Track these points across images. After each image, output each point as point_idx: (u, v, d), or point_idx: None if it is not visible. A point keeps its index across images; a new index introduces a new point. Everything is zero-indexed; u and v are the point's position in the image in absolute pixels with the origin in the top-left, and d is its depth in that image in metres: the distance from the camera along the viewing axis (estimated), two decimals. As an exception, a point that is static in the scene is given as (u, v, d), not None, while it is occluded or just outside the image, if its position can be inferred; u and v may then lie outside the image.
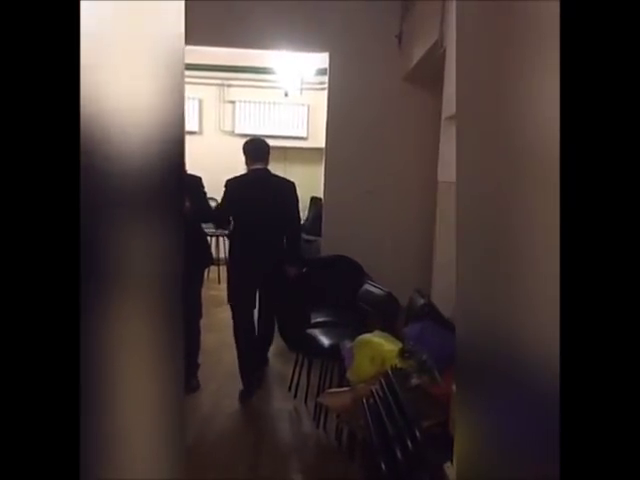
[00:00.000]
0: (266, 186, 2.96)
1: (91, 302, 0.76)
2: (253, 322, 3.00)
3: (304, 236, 4.78)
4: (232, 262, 3.00)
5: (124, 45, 0.78)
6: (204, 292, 4.99)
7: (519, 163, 0.90)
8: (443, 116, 2.31)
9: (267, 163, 3.02)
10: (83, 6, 0.69)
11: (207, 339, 4.18)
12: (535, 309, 0.84)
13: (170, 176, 0.87)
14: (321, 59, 4.69)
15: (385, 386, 1.64)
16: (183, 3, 0.84)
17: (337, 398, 2.10)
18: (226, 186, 2.99)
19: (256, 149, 3.04)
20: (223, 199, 3.02)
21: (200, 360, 3.48)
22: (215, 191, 6.17)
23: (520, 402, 0.85)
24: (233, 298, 2.99)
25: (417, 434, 1.28)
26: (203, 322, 4.53)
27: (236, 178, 3.04)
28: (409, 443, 1.28)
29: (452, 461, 1.17)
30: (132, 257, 0.85)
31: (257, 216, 2.90)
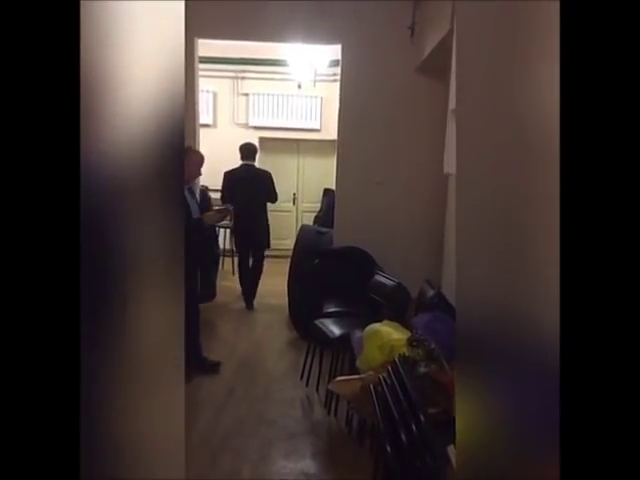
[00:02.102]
0: (251, 175, 4.62)
1: (90, 291, 0.76)
2: (248, 262, 4.82)
3: (316, 228, 4.85)
4: (233, 226, 4.88)
5: (125, 38, 0.80)
6: (218, 283, 5.10)
7: (519, 150, 0.92)
8: (449, 108, 2.32)
9: (254, 160, 4.72)
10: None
11: (222, 329, 4.27)
12: (535, 291, 0.85)
13: (170, 156, 0.90)
14: (334, 51, 4.70)
15: (392, 373, 1.68)
16: (183, 3, 0.86)
17: (347, 385, 2.15)
18: (224, 175, 4.63)
19: (247, 150, 4.69)
20: (223, 185, 4.61)
21: (215, 348, 3.62)
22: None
23: (520, 382, 0.87)
24: (237, 248, 4.99)
25: (421, 418, 1.32)
26: (218, 311, 4.64)
27: (231, 170, 4.67)
28: (413, 427, 1.32)
29: (455, 444, 1.20)
30: (132, 237, 0.87)
31: (244, 194, 4.48)
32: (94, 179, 0.79)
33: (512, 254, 0.95)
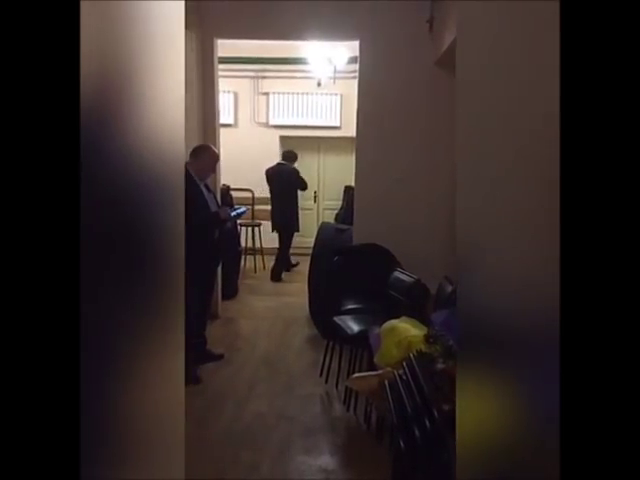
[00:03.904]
0: (284, 171, 5.81)
1: (91, 289, 0.76)
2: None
3: (336, 225, 4.88)
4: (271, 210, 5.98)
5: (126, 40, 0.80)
6: (239, 280, 5.15)
7: (520, 149, 0.91)
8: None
9: (290, 162, 5.87)
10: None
11: (243, 326, 4.32)
12: (537, 287, 0.85)
13: (171, 156, 0.91)
14: (353, 47, 4.69)
15: (407, 370, 1.67)
16: (183, 3, 0.87)
17: (364, 382, 2.15)
18: (266, 171, 5.87)
19: (287, 154, 5.93)
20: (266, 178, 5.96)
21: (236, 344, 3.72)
22: (252, 181, 6.35)
23: (522, 380, 0.87)
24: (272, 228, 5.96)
25: (435, 414, 1.31)
26: (239, 308, 4.69)
27: (271, 167, 5.89)
28: (427, 423, 1.31)
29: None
30: (133, 240, 0.88)
31: (278, 186, 5.79)
32: (94, 181, 0.79)
33: (514, 244, 0.95)
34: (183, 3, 0.87)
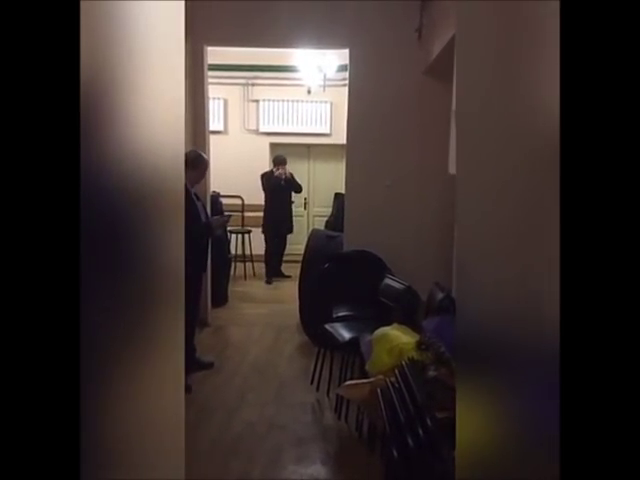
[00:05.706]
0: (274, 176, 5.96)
1: (91, 292, 0.77)
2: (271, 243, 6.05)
3: (326, 232, 4.88)
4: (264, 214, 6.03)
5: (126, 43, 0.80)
6: (229, 288, 5.11)
7: (520, 151, 0.91)
8: (452, 109, 2.31)
9: (274, 166, 5.97)
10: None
11: (233, 334, 4.29)
12: (536, 292, 0.85)
13: (171, 161, 0.91)
14: (343, 55, 4.71)
15: (400, 377, 1.66)
16: (183, 3, 0.86)
17: (355, 390, 2.14)
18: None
19: (274, 159, 6.03)
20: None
21: (227, 352, 3.67)
22: (242, 188, 6.34)
23: (521, 383, 0.86)
24: (265, 231, 5.99)
25: (428, 422, 1.30)
26: (229, 316, 4.66)
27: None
28: (420, 431, 1.30)
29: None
30: (133, 237, 0.87)
31: (272, 189, 5.90)
32: (95, 183, 0.79)
33: (513, 255, 0.95)
34: (183, 3, 0.86)
